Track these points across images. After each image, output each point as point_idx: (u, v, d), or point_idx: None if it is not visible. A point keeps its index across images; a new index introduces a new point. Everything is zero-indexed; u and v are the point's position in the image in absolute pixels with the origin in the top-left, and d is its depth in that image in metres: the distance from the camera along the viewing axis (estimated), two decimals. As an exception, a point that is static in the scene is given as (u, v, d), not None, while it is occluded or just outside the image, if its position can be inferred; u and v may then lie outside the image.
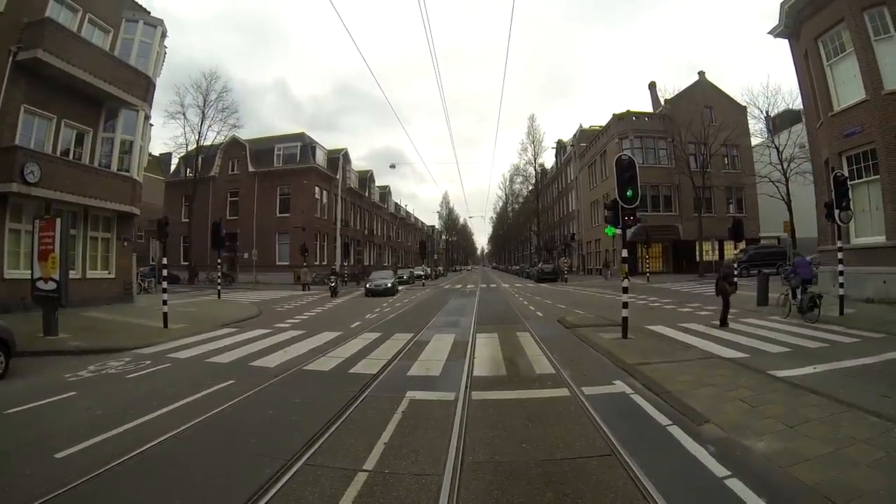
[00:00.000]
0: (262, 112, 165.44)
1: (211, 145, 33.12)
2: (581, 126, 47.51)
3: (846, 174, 11.62)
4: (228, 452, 3.73)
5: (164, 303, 10.94)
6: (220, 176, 35.34)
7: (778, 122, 26.84)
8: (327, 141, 52.91)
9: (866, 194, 12.11)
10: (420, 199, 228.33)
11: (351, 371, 6.54)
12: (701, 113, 29.60)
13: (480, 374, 6.23)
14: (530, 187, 59.49)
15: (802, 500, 2.81)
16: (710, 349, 7.29)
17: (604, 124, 38.21)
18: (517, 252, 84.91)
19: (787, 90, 40.47)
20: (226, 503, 2.96)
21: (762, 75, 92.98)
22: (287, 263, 33.14)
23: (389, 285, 22.36)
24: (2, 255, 11.87)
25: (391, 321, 12.27)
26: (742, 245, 24.60)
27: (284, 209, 34.23)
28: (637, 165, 8.42)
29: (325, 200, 36.67)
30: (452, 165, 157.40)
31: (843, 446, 3.43)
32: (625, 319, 8.31)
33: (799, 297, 9.89)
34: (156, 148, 36.56)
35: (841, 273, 10.29)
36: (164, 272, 11.79)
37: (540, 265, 39.04)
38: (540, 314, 13.19)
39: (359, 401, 5.05)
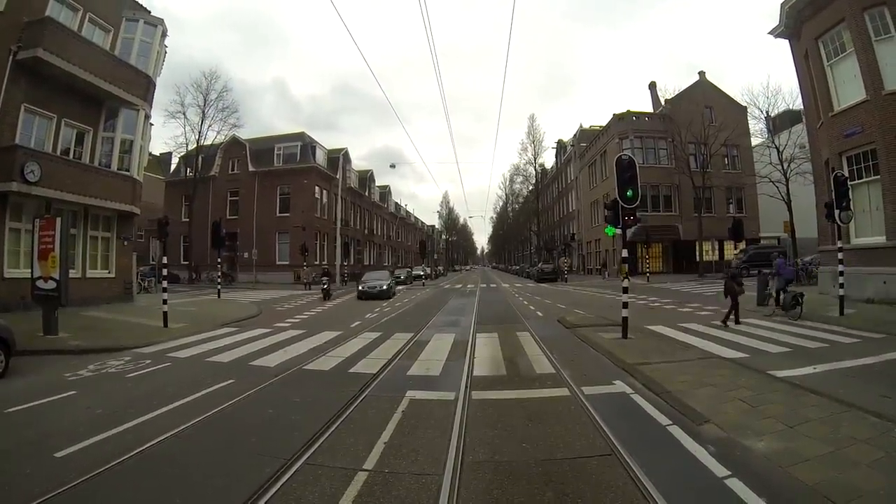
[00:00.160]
0: (261, 112, 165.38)
1: (211, 145, 33.13)
2: (581, 126, 47.55)
3: (846, 174, 11.61)
4: (228, 452, 3.73)
5: (165, 302, 10.95)
6: (220, 175, 35.34)
7: (778, 123, 26.77)
8: (327, 141, 52.88)
9: (866, 194, 12.09)
10: (420, 199, 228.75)
11: (351, 370, 6.55)
12: (701, 113, 29.61)
13: (480, 373, 6.23)
14: (530, 187, 59.52)
15: (802, 500, 2.81)
16: (710, 349, 7.30)
17: (604, 124, 38.21)
18: (517, 252, 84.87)
19: (787, 90, 40.51)
20: (226, 502, 2.96)
21: (762, 75, 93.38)
22: (287, 263, 33.20)
23: (385, 287, 20.04)
24: (2, 255, 11.87)
25: (391, 321, 12.27)
26: (742, 245, 24.62)
27: (284, 209, 34.24)
28: (637, 165, 8.43)
29: (325, 200, 36.68)
30: (452, 165, 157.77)
31: (844, 446, 3.43)
32: (625, 319, 8.31)
33: (782, 296, 10.15)
34: (156, 147, 36.72)
35: (841, 273, 10.29)
36: (164, 272, 11.83)
37: (540, 265, 39.03)
38: (540, 314, 13.19)
39: (359, 400, 5.06)
